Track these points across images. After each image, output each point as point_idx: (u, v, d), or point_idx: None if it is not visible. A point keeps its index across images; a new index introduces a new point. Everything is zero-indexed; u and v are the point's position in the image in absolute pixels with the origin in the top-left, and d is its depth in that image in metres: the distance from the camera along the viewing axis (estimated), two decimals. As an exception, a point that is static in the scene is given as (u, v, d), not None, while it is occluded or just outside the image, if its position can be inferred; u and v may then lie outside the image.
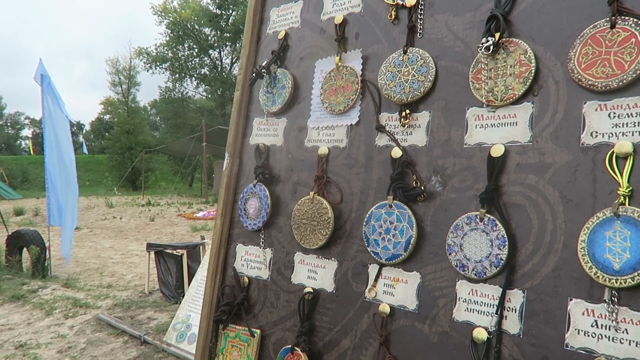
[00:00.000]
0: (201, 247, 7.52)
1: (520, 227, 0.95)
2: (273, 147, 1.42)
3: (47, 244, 7.84)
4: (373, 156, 1.20)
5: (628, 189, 0.83)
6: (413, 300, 1.08)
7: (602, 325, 0.83)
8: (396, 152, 1.15)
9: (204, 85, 31.65)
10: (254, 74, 1.44)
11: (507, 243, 0.95)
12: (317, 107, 1.33)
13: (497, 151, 1.00)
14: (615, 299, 0.82)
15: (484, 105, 1.04)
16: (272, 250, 1.36)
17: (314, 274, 1.26)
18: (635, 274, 0.79)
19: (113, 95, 34.64)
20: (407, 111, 1.15)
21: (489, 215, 0.98)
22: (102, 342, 5.68)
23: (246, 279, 1.39)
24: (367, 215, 1.17)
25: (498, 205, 0.98)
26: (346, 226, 1.22)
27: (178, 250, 7.43)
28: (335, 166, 1.27)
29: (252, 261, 1.39)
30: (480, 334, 0.96)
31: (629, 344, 0.80)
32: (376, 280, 1.14)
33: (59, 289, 7.51)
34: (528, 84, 0.98)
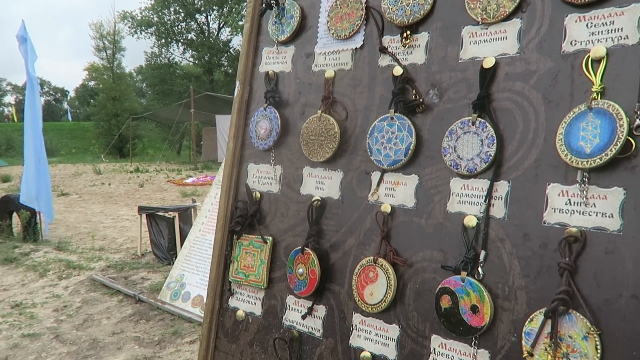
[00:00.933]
0: (193, 210, 7.64)
1: (508, 127, 1.09)
2: (282, 73, 1.53)
3: (37, 209, 7.88)
4: (376, 75, 1.32)
5: (600, 87, 0.97)
6: (411, 199, 1.22)
7: (574, 202, 0.98)
8: (397, 70, 1.27)
9: (190, 51, 31.13)
10: (263, 5, 1.54)
11: (495, 141, 1.09)
12: (324, 34, 1.44)
13: (489, 63, 1.12)
14: (586, 179, 0.97)
15: (478, 24, 1.16)
16: (282, 166, 1.49)
17: (321, 184, 1.39)
18: (603, 154, 0.93)
19: (97, 61, 33.93)
20: (408, 33, 1.27)
21: (480, 119, 1.12)
22: (97, 301, 5.83)
23: (258, 194, 1.52)
24: (370, 129, 1.30)
25: (488, 110, 1.11)
26: (351, 140, 1.35)
27: (170, 213, 7.54)
28: (341, 87, 1.39)
29: (263, 178, 1.52)
30: (471, 221, 1.11)
31: (596, 215, 0.95)
32: (378, 185, 1.28)
33: (51, 252, 7.62)
34: (517, 1, 1.10)
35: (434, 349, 1.13)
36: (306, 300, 1.37)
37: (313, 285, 1.33)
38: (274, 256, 1.46)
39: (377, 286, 1.22)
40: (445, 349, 1.11)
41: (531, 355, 0.98)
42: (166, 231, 7.44)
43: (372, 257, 1.24)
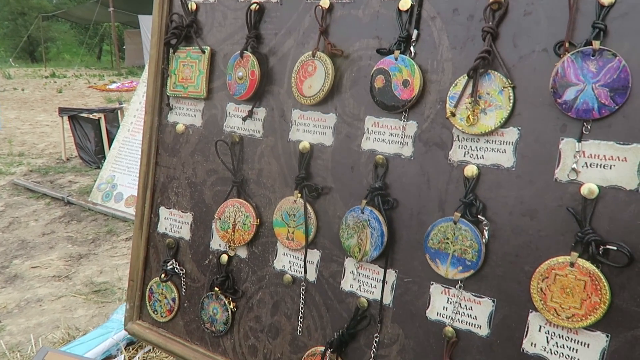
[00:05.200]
0: (119, 112, 7.29)
1: None
2: None
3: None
4: None
5: None
6: None
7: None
8: None
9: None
10: None
11: None
12: None
13: None
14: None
15: None
16: (218, -26, 1.44)
17: (260, -12, 1.38)
18: None
19: (-8, -51, 29.46)
20: None
21: None
22: (22, 204, 5.60)
23: (194, 5, 1.48)
24: None
25: None
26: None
27: (95, 115, 7.19)
28: None
29: (199, -13, 1.47)
30: (405, 3, 1.15)
31: (518, -19, 1.03)
32: (317, -19, 1.29)
33: (-38, 158, 7.11)
34: None
35: (368, 129, 1.22)
36: (246, 105, 1.40)
37: (253, 87, 1.36)
38: (213, 66, 1.46)
39: (315, 78, 1.27)
40: (378, 126, 1.20)
41: (453, 115, 1.08)
42: (92, 134, 7.13)
43: (310, 52, 1.28)
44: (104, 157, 6.24)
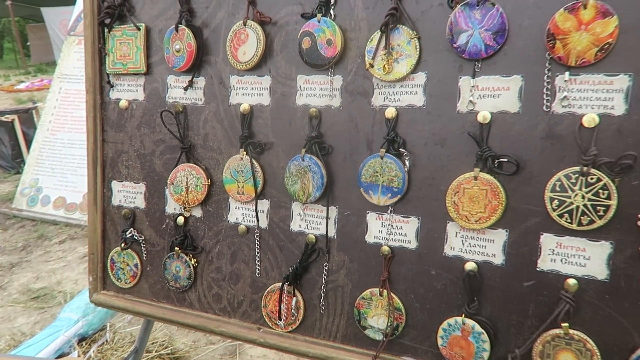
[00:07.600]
0: (34, 111, 6.94)
1: None
2: None
3: None
4: None
5: None
6: (271, -36, 1.38)
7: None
8: None
9: None
10: None
11: None
12: None
13: None
14: None
15: None
16: (144, -46, 1.53)
17: (187, -34, 1.48)
18: None
19: None
20: None
21: None
22: None
23: (124, -13, 1.55)
24: None
25: None
26: None
27: (7, 117, 6.81)
28: None
29: (127, -32, 1.55)
30: (322, -28, 1.31)
31: (414, -52, 1.22)
32: (241, -44, 1.41)
33: None
34: None
35: (300, 86, 1.38)
36: (186, 75, 1.51)
37: (191, 58, 1.47)
38: (150, 42, 1.55)
39: (248, 45, 1.40)
40: (309, 83, 1.37)
41: (372, 66, 1.27)
42: (6, 137, 6.77)
43: (241, 21, 1.41)
44: (23, 161, 5.95)
